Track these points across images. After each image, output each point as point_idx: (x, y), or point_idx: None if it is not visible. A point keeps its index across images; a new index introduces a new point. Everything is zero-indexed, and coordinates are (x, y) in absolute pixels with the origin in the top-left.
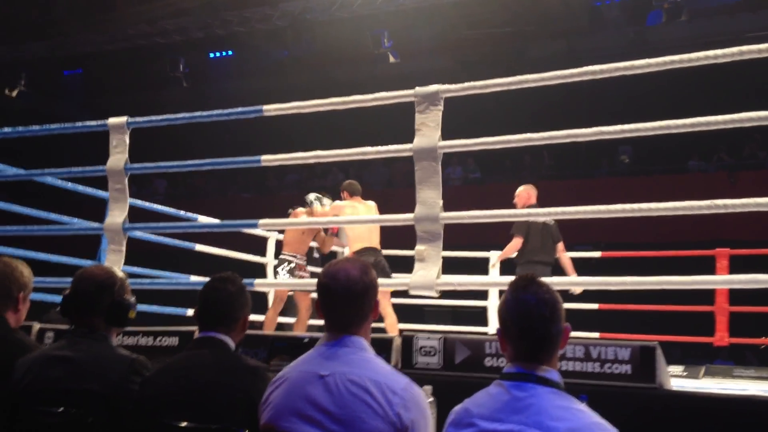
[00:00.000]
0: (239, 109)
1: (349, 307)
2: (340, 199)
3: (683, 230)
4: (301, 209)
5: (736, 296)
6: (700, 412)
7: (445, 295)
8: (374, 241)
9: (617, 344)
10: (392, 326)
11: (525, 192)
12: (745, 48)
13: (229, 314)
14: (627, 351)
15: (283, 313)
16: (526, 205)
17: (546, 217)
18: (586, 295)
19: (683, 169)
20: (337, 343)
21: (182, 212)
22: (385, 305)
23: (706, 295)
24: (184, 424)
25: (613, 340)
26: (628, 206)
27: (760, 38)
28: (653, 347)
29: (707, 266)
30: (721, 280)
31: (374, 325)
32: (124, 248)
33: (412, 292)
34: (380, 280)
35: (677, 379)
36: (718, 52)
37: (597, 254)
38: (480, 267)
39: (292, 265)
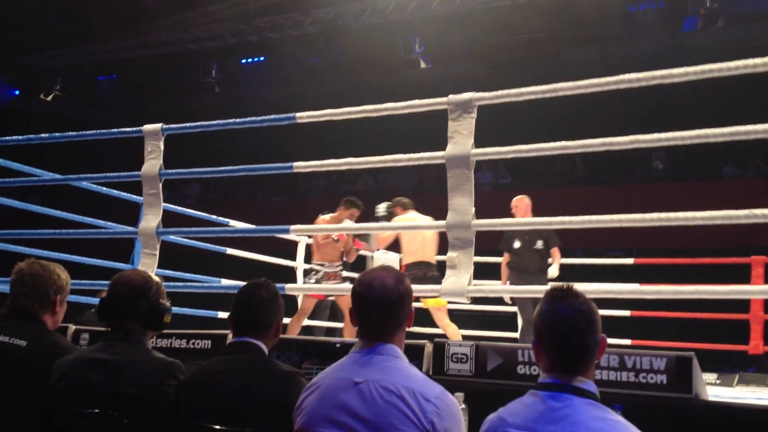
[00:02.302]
0: (272, 117)
1: (384, 316)
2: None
3: (716, 236)
4: (325, 216)
5: None
6: (736, 422)
7: (474, 300)
8: (428, 255)
9: (653, 354)
10: (456, 333)
11: (524, 203)
12: None
13: (262, 320)
14: (663, 361)
15: (312, 317)
16: (526, 215)
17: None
18: (618, 302)
19: (718, 176)
20: (371, 351)
21: (214, 216)
22: (441, 318)
23: (741, 303)
24: (218, 427)
25: (648, 349)
26: (663, 215)
27: None
28: (690, 358)
29: (742, 273)
30: (758, 290)
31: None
32: (157, 252)
33: (444, 299)
34: (413, 287)
35: (710, 387)
36: (758, 61)
37: (630, 261)
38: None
39: (320, 274)
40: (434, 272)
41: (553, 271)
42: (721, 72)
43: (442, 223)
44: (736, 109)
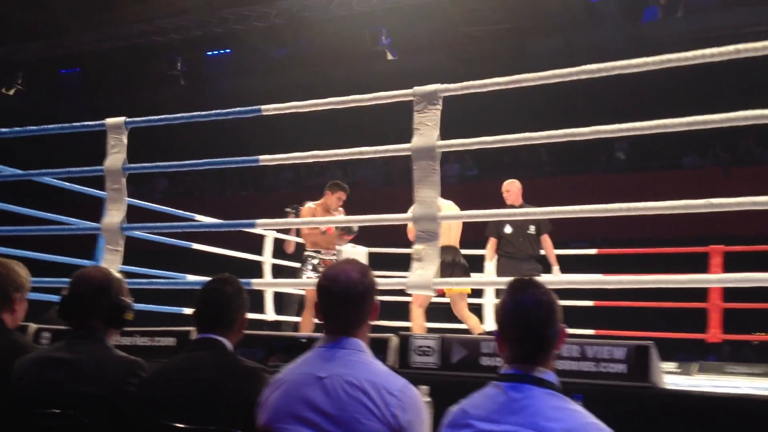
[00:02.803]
0: (238, 109)
1: (349, 310)
2: None
3: (678, 226)
4: (311, 204)
5: (730, 293)
6: (693, 410)
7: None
8: (453, 239)
9: (612, 343)
10: (476, 327)
11: (515, 187)
12: (741, 46)
13: (226, 316)
14: (622, 350)
15: (279, 312)
16: (517, 200)
17: (541, 216)
18: (582, 292)
19: (679, 165)
20: (335, 345)
21: (180, 211)
22: (462, 308)
23: (700, 292)
24: (182, 425)
25: (611, 338)
26: (624, 205)
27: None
28: (648, 347)
29: (702, 263)
30: (716, 279)
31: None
32: (121, 248)
33: (410, 291)
34: (380, 280)
35: (671, 376)
36: (715, 50)
37: (593, 251)
38: (476, 265)
39: (315, 261)
40: (462, 259)
41: (556, 272)
42: (679, 62)
43: (408, 215)
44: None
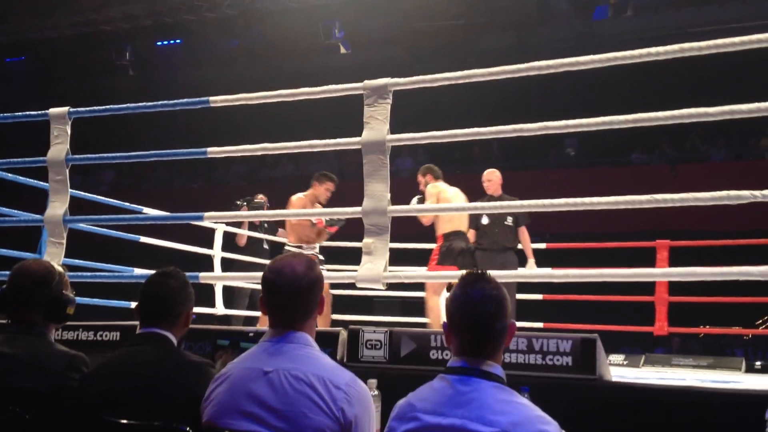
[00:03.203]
0: (185, 100)
1: (294, 303)
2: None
3: (627, 221)
4: (300, 195)
5: (677, 287)
6: (638, 403)
7: (394, 286)
8: (463, 225)
9: (559, 336)
10: (436, 321)
11: (496, 176)
12: (686, 45)
13: (171, 310)
14: (568, 343)
15: (229, 306)
16: (497, 191)
17: (492, 210)
18: (531, 286)
19: (627, 162)
20: (281, 339)
21: (127, 204)
22: (430, 297)
23: (648, 286)
24: (125, 421)
25: (559, 332)
26: (571, 200)
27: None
28: (594, 339)
29: (649, 257)
30: (660, 273)
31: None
32: (64, 241)
33: (359, 285)
34: (327, 273)
35: (618, 368)
36: (660, 49)
37: (542, 246)
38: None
39: None
40: (471, 244)
41: (532, 266)
42: (625, 59)
43: (357, 209)
44: (647, 97)
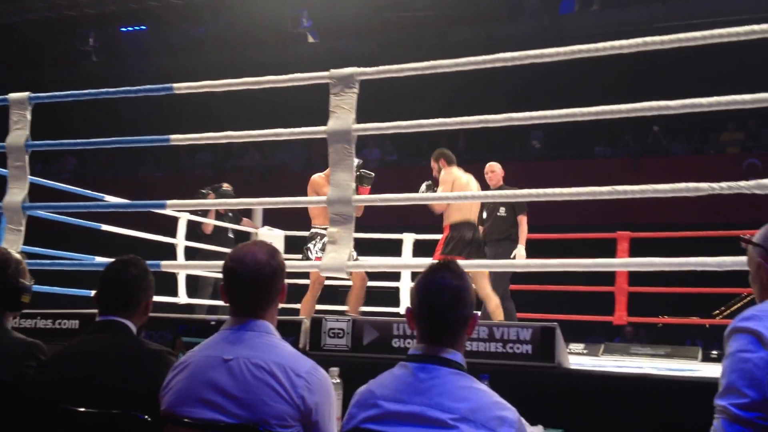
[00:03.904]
0: (148, 87)
1: (256, 291)
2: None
3: (590, 213)
4: (320, 175)
5: (636, 277)
6: (595, 390)
7: None
8: (473, 215)
9: (519, 325)
10: (497, 309)
11: (499, 168)
12: (649, 39)
13: (130, 298)
14: (528, 332)
15: (191, 294)
16: (499, 183)
17: (456, 201)
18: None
19: (590, 155)
20: (242, 327)
21: (88, 191)
22: (485, 286)
23: (608, 276)
24: (83, 410)
25: (522, 321)
26: (534, 191)
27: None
28: (553, 328)
29: (610, 248)
30: (619, 263)
31: None
32: (23, 228)
33: (324, 274)
34: (292, 262)
35: (578, 357)
36: (624, 42)
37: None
38: (395, 248)
39: (326, 239)
40: (479, 236)
41: (521, 253)
42: (589, 53)
43: (323, 198)
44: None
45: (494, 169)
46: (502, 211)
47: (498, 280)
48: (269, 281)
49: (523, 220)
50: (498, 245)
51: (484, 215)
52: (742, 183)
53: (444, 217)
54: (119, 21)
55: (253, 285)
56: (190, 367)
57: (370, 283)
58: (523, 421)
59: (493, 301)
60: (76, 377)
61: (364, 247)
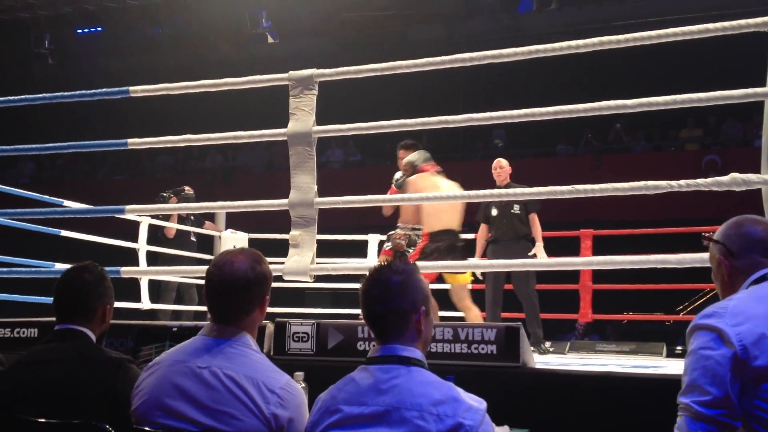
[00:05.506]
0: (104, 90)
1: (231, 301)
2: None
3: (553, 211)
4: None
5: (600, 275)
6: (561, 388)
7: (324, 278)
8: (454, 222)
9: (484, 325)
10: (477, 320)
11: (508, 165)
12: (605, 38)
13: (86, 304)
14: (492, 332)
15: (156, 300)
16: (506, 180)
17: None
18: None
19: (552, 153)
20: (218, 336)
21: (46, 197)
22: (462, 298)
23: (572, 274)
24: (41, 420)
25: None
26: (495, 191)
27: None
28: (517, 328)
29: (574, 246)
30: (582, 262)
31: None
32: None
33: (287, 278)
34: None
35: (544, 355)
36: (580, 42)
37: (471, 236)
38: (360, 249)
39: (411, 234)
40: (461, 242)
41: (541, 254)
42: (547, 52)
43: (284, 201)
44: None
45: (502, 165)
46: (516, 208)
47: (531, 280)
48: (243, 292)
49: (535, 218)
50: (518, 243)
51: (494, 213)
52: (700, 180)
53: (422, 224)
54: (75, 22)
55: (228, 293)
56: (160, 371)
57: (336, 285)
58: (488, 417)
59: (473, 312)
60: (34, 387)
61: (328, 250)
